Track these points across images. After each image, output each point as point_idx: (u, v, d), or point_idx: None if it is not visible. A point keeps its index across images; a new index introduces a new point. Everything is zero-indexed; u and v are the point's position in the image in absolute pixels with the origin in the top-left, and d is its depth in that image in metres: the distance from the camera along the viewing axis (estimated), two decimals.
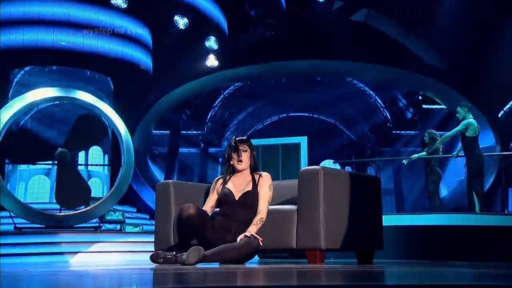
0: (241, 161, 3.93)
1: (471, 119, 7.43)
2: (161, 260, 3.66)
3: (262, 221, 3.80)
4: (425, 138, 8.63)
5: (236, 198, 3.88)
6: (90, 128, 8.73)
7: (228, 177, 3.99)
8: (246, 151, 3.95)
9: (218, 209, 4.00)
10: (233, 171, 3.99)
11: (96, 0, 12.78)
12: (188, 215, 3.67)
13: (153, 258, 3.71)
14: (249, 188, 3.91)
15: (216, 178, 4.10)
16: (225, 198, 3.90)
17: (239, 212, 3.85)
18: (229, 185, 3.94)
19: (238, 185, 3.94)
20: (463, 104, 7.75)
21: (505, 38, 12.21)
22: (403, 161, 8.80)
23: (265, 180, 3.93)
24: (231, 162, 3.96)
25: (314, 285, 1.86)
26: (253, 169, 3.99)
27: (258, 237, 3.64)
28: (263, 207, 3.85)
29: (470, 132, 7.36)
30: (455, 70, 13.52)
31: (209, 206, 3.97)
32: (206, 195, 4.15)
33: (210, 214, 3.93)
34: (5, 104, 9.11)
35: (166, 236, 4.24)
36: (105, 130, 9.03)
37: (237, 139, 4.00)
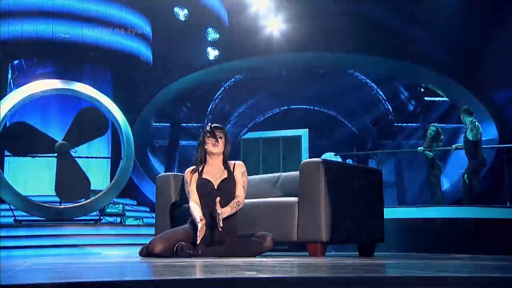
0: (217, 145, 3.86)
1: (476, 122, 7.58)
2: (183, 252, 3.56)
3: (239, 204, 3.76)
4: (431, 131, 8.63)
5: (215, 186, 3.82)
6: (92, 122, 8.74)
7: (200, 167, 3.91)
8: (221, 137, 3.89)
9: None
10: (205, 160, 3.91)
11: None
12: (157, 254, 3.58)
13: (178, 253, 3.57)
14: (225, 175, 3.86)
15: (188, 170, 3.97)
16: (204, 188, 3.83)
17: (220, 200, 3.73)
18: (205, 174, 3.88)
19: (213, 174, 3.88)
20: (462, 110, 7.87)
21: (508, 30, 12.17)
22: (418, 148, 8.83)
23: (239, 167, 3.90)
24: (205, 147, 3.88)
25: (315, 277, 1.87)
26: (225, 159, 3.93)
27: (220, 219, 3.51)
28: (240, 192, 3.83)
29: (477, 136, 7.48)
30: (458, 62, 13.49)
31: (195, 197, 3.84)
32: None
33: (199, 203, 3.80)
34: (4, 96, 9.12)
35: (167, 228, 4.25)
36: (106, 124, 9.04)
37: (213, 125, 3.95)
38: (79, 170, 8.76)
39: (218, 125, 3.96)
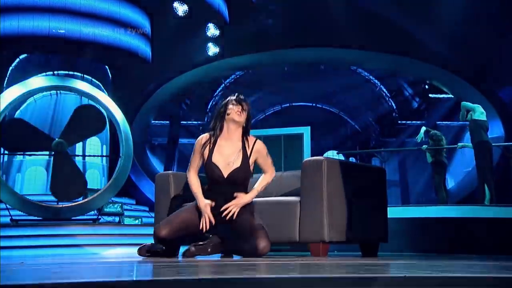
0: (241, 113, 3.67)
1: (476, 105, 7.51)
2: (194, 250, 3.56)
3: (265, 186, 3.73)
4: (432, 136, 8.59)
5: (225, 176, 3.65)
6: (89, 119, 8.75)
7: (214, 139, 3.69)
8: (245, 111, 3.69)
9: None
10: (221, 130, 3.70)
11: None
12: (163, 237, 3.56)
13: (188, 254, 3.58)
14: (239, 162, 3.65)
15: (201, 138, 3.76)
16: (211, 173, 3.66)
17: (226, 190, 3.64)
18: (216, 156, 3.66)
19: (226, 155, 3.66)
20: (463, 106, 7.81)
21: None
22: (423, 146, 8.78)
23: (261, 149, 3.73)
24: (228, 114, 3.67)
25: (318, 277, 1.87)
26: (244, 133, 3.73)
27: (234, 209, 3.55)
28: (269, 167, 3.75)
29: (482, 116, 7.41)
30: (463, 59, 13.48)
31: (195, 171, 3.75)
32: None
33: (198, 178, 3.74)
34: (0, 92, 9.12)
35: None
36: (104, 122, 9.05)
37: (239, 97, 3.73)
38: (76, 169, 8.77)
39: (244, 98, 3.75)
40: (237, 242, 3.59)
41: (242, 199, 3.61)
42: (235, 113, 3.65)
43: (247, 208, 3.66)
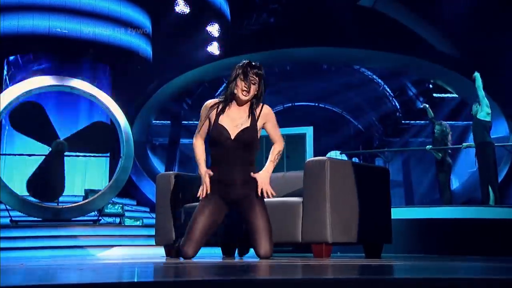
0: (248, 92, 3.50)
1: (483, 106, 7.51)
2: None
3: (280, 154, 3.65)
4: (437, 131, 8.62)
5: (232, 137, 3.50)
6: (98, 137, 8.79)
7: (222, 105, 3.57)
8: (255, 83, 3.50)
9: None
10: (231, 99, 3.57)
11: None
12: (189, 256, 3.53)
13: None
14: (247, 123, 3.52)
15: (208, 103, 3.65)
16: (218, 137, 3.51)
17: (236, 153, 3.52)
18: (223, 119, 3.53)
19: (234, 118, 3.54)
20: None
21: None
22: (427, 146, 8.84)
23: (269, 114, 3.63)
24: (234, 90, 3.50)
25: (320, 279, 1.87)
26: (255, 103, 3.58)
27: (272, 192, 3.51)
28: (279, 138, 3.67)
29: (488, 116, 7.44)
30: (468, 57, 13.45)
31: (201, 137, 3.71)
32: None
33: (203, 142, 3.71)
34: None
35: (167, 229, 4.26)
36: (113, 145, 9.12)
37: (250, 63, 3.53)
38: (61, 174, 8.62)
39: (256, 65, 3.54)
40: (244, 236, 3.64)
41: (263, 175, 3.53)
42: (240, 92, 3.49)
43: (262, 202, 3.61)
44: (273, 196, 3.55)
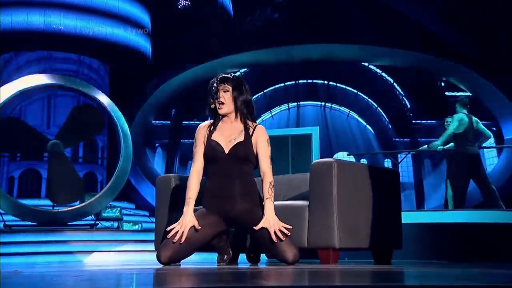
0: (222, 103, 3.52)
1: (461, 114, 7.67)
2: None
3: (273, 185, 3.51)
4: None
5: (226, 151, 3.51)
6: (87, 120, 8.76)
7: (214, 124, 3.59)
8: (227, 91, 3.52)
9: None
10: (218, 115, 3.58)
11: None
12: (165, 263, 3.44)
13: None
14: (241, 138, 3.54)
15: (202, 125, 3.67)
16: (212, 152, 3.52)
17: (232, 167, 3.52)
18: (216, 135, 3.56)
19: (227, 135, 3.56)
20: (459, 100, 8.01)
21: None
22: (438, 148, 8.88)
23: (261, 133, 3.57)
24: (212, 106, 3.55)
25: (327, 286, 1.87)
26: (244, 115, 3.58)
27: (286, 226, 3.41)
28: (267, 168, 3.54)
29: (459, 128, 7.62)
30: (481, 54, 13.43)
31: (199, 164, 3.59)
32: None
33: (201, 174, 3.60)
34: None
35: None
36: (102, 123, 9.06)
37: (220, 76, 3.58)
38: (73, 171, 8.78)
39: (226, 76, 3.58)
40: (252, 243, 3.64)
41: (270, 217, 3.43)
42: (217, 105, 3.53)
43: (252, 196, 3.56)
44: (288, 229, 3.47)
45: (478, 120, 7.93)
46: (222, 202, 3.52)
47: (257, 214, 3.50)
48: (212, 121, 3.64)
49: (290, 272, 2.59)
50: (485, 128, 8.13)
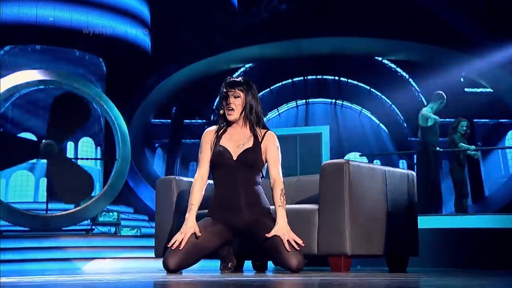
0: (232, 109, 3.61)
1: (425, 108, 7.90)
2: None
3: (284, 193, 3.58)
4: (462, 127, 8.71)
5: (234, 158, 3.60)
6: (71, 109, 8.72)
7: (222, 129, 3.68)
8: (238, 97, 3.60)
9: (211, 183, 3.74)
10: (227, 121, 3.68)
11: None
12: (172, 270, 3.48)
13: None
14: (250, 144, 3.62)
15: (208, 130, 3.75)
16: (219, 158, 3.60)
17: (239, 174, 3.59)
18: (224, 141, 3.64)
19: (236, 139, 3.65)
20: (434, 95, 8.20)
21: None
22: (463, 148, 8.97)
23: (272, 139, 3.66)
24: (221, 112, 3.65)
25: None
26: (253, 121, 3.66)
27: (298, 240, 3.44)
28: (277, 175, 3.62)
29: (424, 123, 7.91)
30: (502, 48, 13.35)
31: (204, 170, 3.66)
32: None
33: (206, 180, 3.67)
34: None
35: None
36: (88, 109, 9.01)
37: (229, 80, 3.67)
38: (75, 166, 8.77)
39: (236, 80, 3.66)
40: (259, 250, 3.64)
41: (283, 226, 3.46)
42: (226, 111, 3.62)
43: (260, 205, 3.63)
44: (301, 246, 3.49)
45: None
46: (229, 213, 3.59)
47: (265, 223, 3.55)
48: (219, 125, 3.71)
49: (299, 281, 2.58)
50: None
